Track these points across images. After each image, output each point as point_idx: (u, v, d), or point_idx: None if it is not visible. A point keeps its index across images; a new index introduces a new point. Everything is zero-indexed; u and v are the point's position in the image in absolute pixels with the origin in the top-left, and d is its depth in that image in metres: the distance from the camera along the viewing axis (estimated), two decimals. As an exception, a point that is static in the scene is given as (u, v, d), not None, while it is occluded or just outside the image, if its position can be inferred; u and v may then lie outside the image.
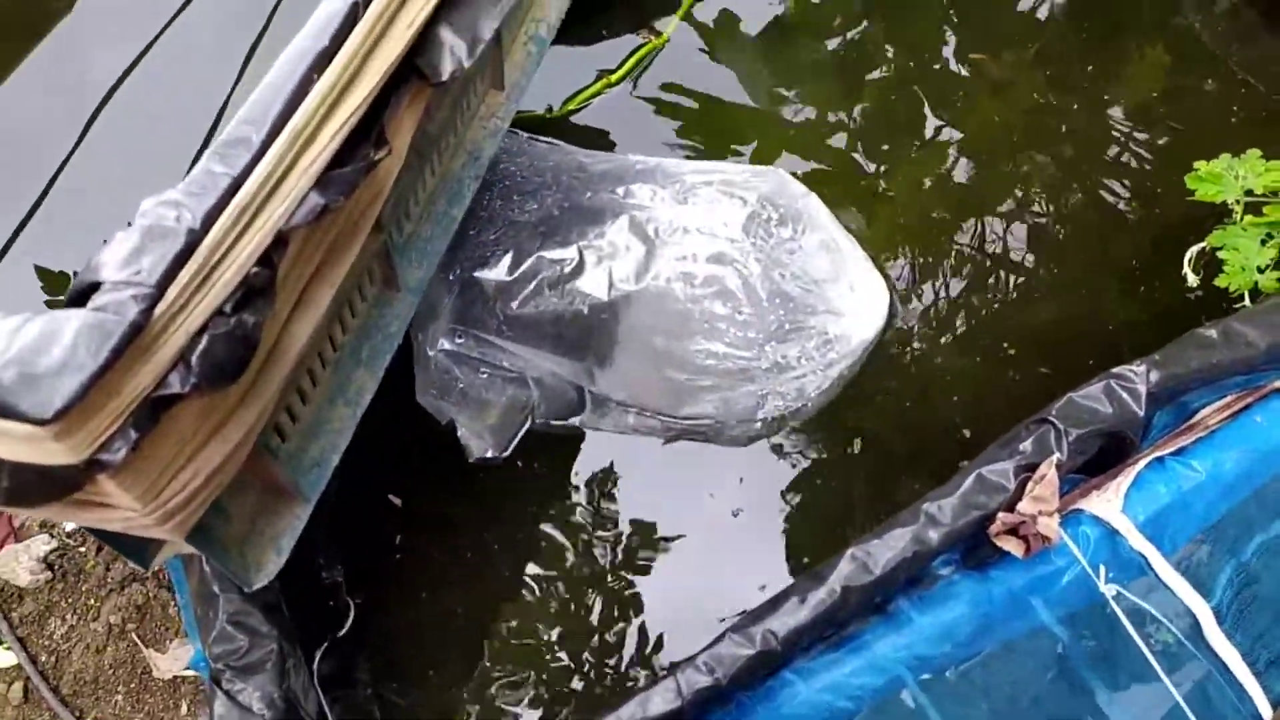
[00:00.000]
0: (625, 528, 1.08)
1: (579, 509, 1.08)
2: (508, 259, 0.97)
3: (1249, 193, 0.98)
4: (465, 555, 1.07)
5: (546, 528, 1.07)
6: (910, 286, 1.21)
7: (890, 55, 1.36)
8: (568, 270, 0.95)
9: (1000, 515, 0.78)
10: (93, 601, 1.27)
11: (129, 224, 0.52)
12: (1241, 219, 0.98)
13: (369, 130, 0.64)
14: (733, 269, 0.95)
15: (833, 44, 1.37)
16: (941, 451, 1.09)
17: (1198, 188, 1.01)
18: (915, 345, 1.17)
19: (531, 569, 1.06)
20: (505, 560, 1.07)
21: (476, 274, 0.97)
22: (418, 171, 0.84)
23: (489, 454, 0.97)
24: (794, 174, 1.19)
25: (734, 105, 1.30)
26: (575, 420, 1.01)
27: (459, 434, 0.96)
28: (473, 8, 0.71)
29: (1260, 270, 0.95)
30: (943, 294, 1.20)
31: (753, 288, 0.95)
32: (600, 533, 1.07)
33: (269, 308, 0.58)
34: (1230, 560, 0.83)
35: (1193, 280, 0.99)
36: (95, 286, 0.51)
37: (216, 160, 0.54)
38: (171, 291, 0.52)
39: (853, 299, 1.01)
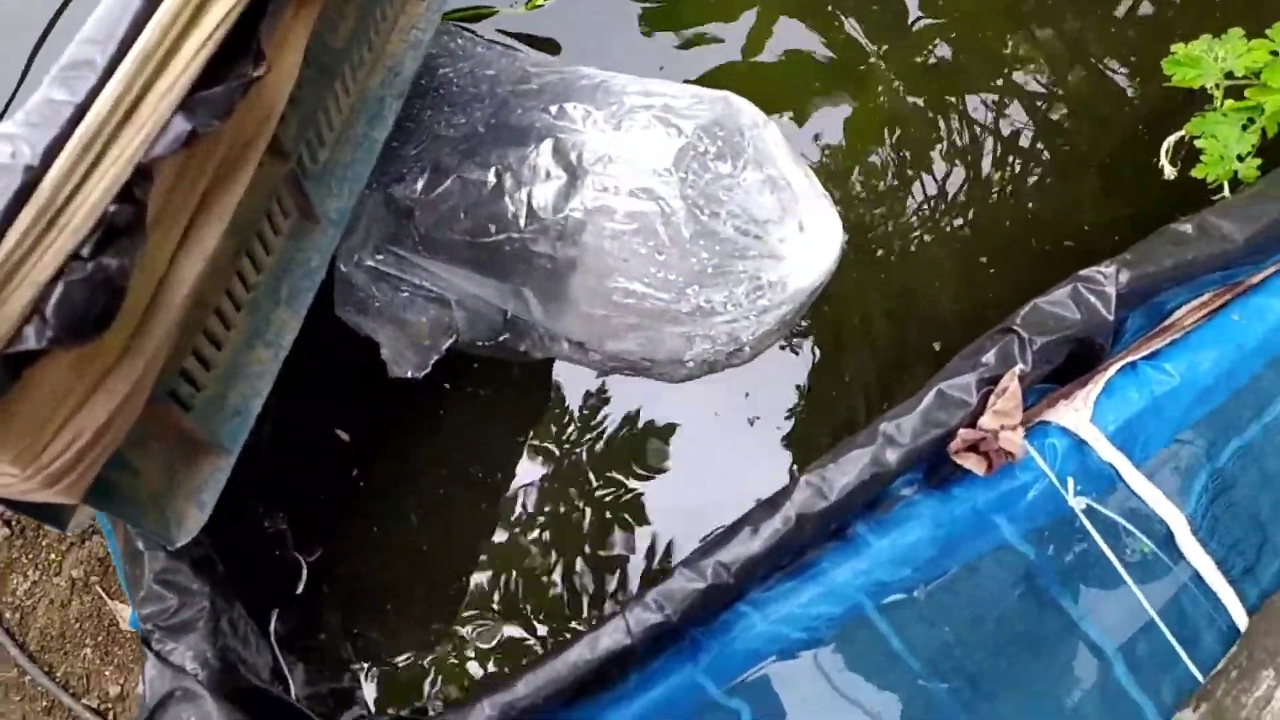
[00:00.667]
0: (587, 452, 1.05)
1: (540, 434, 1.05)
2: (424, 177, 0.91)
3: (1229, 75, 0.92)
4: (423, 487, 1.03)
5: (507, 455, 1.04)
6: (884, 180, 1.15)
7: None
8: (485, 194, 0.89)
9: (961, 432, 0.74)
10: (54, 556, 1.24)
11: (-40, 162, 0.47)
12: (1222, 104, 0.92)
13: (246, 45, 0.58)
14: (656, 205, 0.89)
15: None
16: (913, 365, 1.05)
17: (1175, 72, 0.94)
18: (883, 249, 1.12)
19: (495, 497, 1.03)
20: (466, 491, 1.04)
21: (392, 190, 0.91)
22: (324, 90, 0.77)
23: (409, 373, 0.93)
24: (792, 53, 1.12)
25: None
26: (502, 341, 0.97)
27: (381, 352, 0.92)
28: (359, -98, 0.64)
29: (1240, 158, 0.89)
30: (920, 191, 1.15)
31: (675, 226, 0.89)
32: (566, 457, 1.04)
33: (137, 248, 0.53)
34: (1206, 466, 0.79)
35: (1170, 173, 0.93)
36: (-76, 234, 0.45)
37: (57, 86, 0.49)
38: (11, 237, 0.46)
39: (798, 242, 0.94)
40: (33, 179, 0.47)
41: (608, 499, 1.04)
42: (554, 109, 0.94)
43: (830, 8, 1.24)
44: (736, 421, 1.06)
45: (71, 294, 0.49)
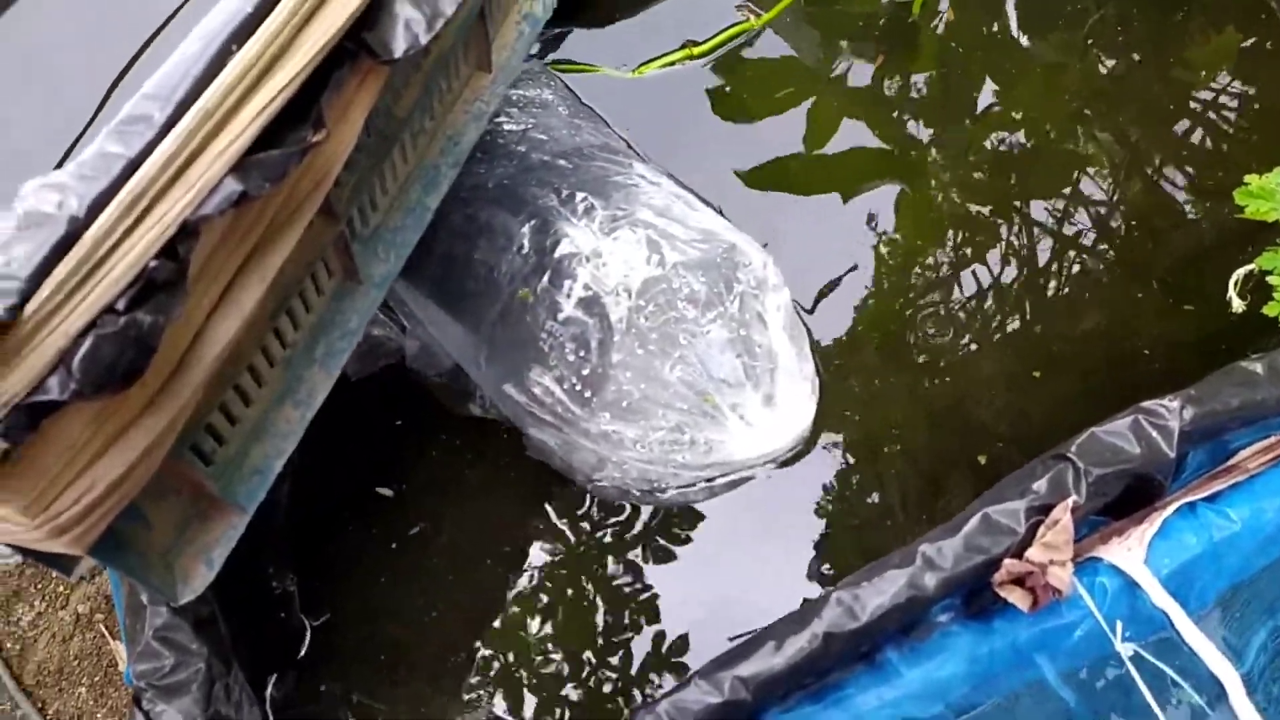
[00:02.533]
0: (607, 532, 1.01)
1: (559, 510, 1.02)
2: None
3: (1306, 210, 0.89)
4: (438, 556, 1.01)
5: (524, 530, 1.02)
6: (936, 276, 1.13)
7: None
8: (467, 246, 0.91)
9: (1006, 562, 0.70)
10: (62, 589, 1.23)
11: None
12: (1296, 239, 0.89)
13: (307, 111, 0.57)
14: (596, 320, 0.90)
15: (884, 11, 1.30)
16: (952, 485, 1.01)
17: (1247, 203, 0.91)
18: (927, 353, 1.09)
19: (508, 575, 1.00)
20: (480, 565, 1.01)
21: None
22: (383, 157, 0.77)
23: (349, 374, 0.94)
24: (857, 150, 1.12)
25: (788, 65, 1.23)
26: (448, 383, 0.97)
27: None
28: (434, -24, 0.64)
29: (1315, 298, 0.85)
30: (972, 288, 1.12)
31: (606, 349, 0.89)
32: (582, 535, 1.01)
33: (174, 305, 0.52)
34: (1266, 622, 0.74)
35: (1238, 305, 0.90)
36: (-42, 279, 0.45)
37: (113, 139, 0.48)
38: (47, 286, 0.45)
39: (757, 414, 0.92)
40: (76, 230, 0.46)
41: (623, 585, 1.00)
42: (565, 192, 0.96)
43: (894, 110, 1.24)
44: (766, 518, 1.03)
45: (100, 347, 0.48)
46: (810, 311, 1.10)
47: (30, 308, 0.45)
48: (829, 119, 1.23)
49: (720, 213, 1.09)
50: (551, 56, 1.24)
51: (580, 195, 0.99)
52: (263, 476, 0.73)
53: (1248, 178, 0.93)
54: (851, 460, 1.03)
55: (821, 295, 1.11)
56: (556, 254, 0.95)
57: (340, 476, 0.98)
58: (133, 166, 0.48)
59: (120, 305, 0.49)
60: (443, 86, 0.84)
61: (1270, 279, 0.89)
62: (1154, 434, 0.74)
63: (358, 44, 0.60)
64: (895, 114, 1.23)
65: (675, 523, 1.01)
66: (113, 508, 0.56)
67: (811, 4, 1.30)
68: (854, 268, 1.13)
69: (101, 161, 0.48)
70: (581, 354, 0.92)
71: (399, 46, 0.61)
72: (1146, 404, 0.76)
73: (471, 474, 1.03)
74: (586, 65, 1.23)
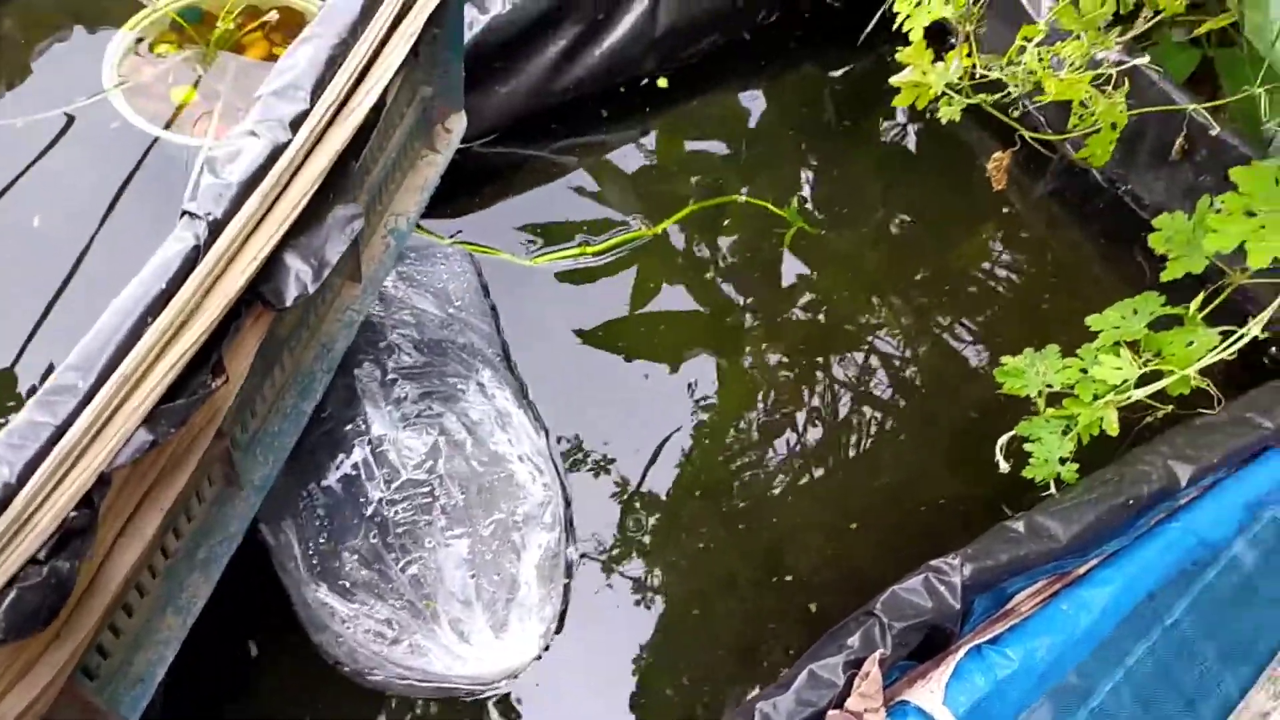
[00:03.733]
0: None
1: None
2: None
3: (1049, 386, 1.08)
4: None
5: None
6: (765, 435, 1.27)
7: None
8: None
9: (830, 715, 0.81)
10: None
11: (-61, 476, 0.51)
12: (1044, 410, 1.08)
13: (206, 359, 0.65)
14: (349, 499, 1.00)
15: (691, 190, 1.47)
16: (785, 633, 1.13)
17: (1005, 380, 1.10)
18: (747, 511, 1.22)
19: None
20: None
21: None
22: (263, 374, 0.85)
23: None
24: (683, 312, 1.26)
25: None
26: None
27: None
28: (320, 234, 0.74)
29: (1062, 461, 1.04)
30: (794, 448, 1.27)
31: (344, 527, 0.99)
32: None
33: (87, 548, 0.57)
34: (1045, 747, 0.87)
35: (1004, 467, 1.07)
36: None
37: (40, 409, 0.55)
38: (-21, 549, 0.51)
39: (478, 637, 0.98)
40: (9, 496, 0.52)
41: None
42: (390, 377, 1.08)
43: (709, 274, 1.40)
44: (612, 672, 1.09)
45: (24, 597, 0.53)
46: (645, 474, 1.22)
47: (-37, 570, 0.50)
48: (647, 283, 1.37)
49: (547, 435, 1.18)
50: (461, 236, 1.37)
51: (402, 384, 1.07)
52: (145, 685, 0.76)
53: (1004, 359, 1.13)
54: (687, 619, 1.13)
55: (654, 457, 1.24)
56: (346, 427, 1.03)
57: (211, 675, 1.00)
58: (59, 433, 0.55)
59: (42, 555, 0.54)
60: (319, 302, 0.93)
61: (1026, 446, 1.07)
62: (941, 589, 0.88)
63: (254, 295, 0.69)
64: (711, 281, 1.39)
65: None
66: (15, 739, 0.59)
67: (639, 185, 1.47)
68: (678, 429, 1.26)
69: (30, 430, 0.54)
70: (322, 522, 0.98)
71: (290, 296, 0.70)
72: (934, 562, 0.90)
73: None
74: (492, 249, 1.34)
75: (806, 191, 1.51)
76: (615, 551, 1.17)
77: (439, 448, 1.05)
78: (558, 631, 1.07)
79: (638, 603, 1.14)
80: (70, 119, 0.96)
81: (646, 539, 1.18)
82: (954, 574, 0.89)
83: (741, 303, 1.38)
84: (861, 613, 0.88)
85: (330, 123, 0.73)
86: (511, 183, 1.42)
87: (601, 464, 1.23)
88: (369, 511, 1.00)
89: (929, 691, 0.86)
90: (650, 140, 1.52)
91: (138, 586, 0.76)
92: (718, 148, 1.54)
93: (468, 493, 1.03)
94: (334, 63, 0.73)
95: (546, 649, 1.04)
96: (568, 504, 1.15)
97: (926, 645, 0.91)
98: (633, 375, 1.30)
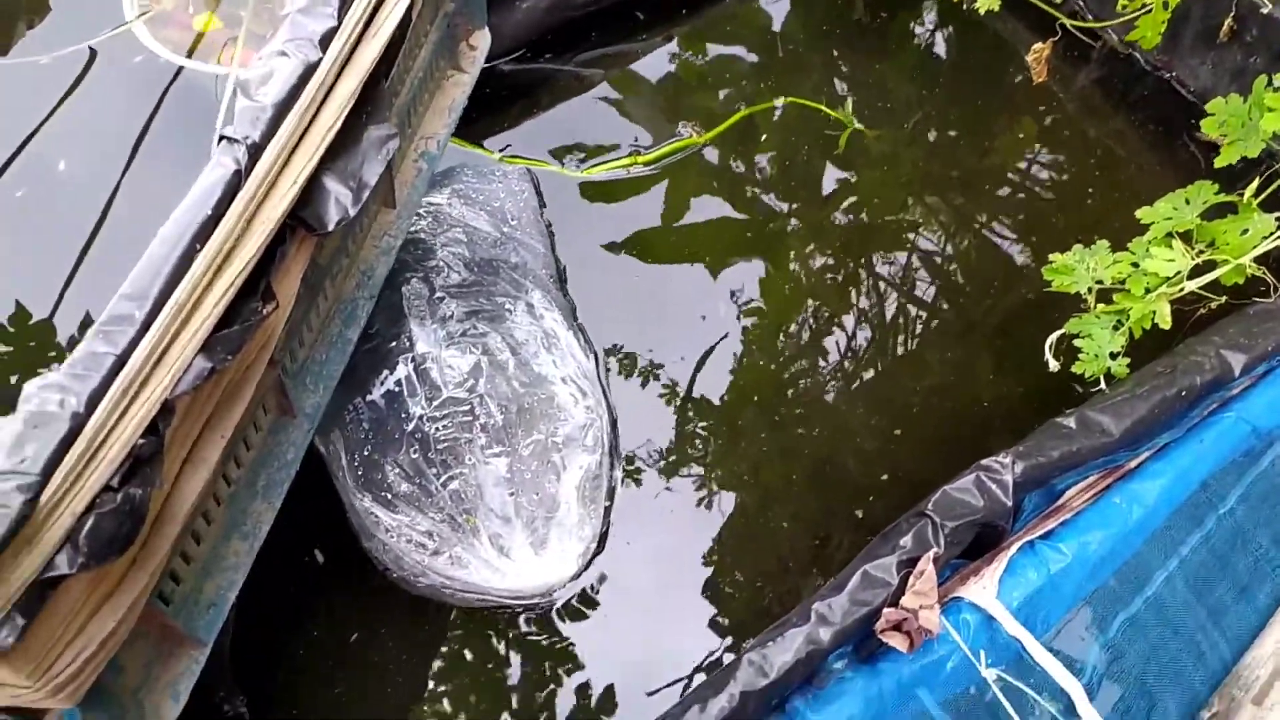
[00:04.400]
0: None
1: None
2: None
3: (1099, 282, 1.06)
4: (372, 675, 1.06)
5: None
6: (799, 343, 1.27)
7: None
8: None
9: (885, 612, 0.82)
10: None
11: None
12: (1094, 307, 1.06)
13: (255, 286, 0.65)
14: (392, 414, 1.01)
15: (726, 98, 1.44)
16: (834, 537, 1.14)
17: (1054, 279, 1.08)
18: (801, 410, 1.22)
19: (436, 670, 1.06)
20: (417, 662, 1.07)
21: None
22: (309, 302, 0.85)
23: None
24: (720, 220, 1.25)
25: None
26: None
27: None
28: (357, 155, 0.73)
29: (1113, 356, 1.02)
30: (842, 352, 1.26)
31: (387, 440, 1.00)
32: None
33: (157, 475, 0.59)
34: (1099, 638, 0.88)
35: (1054, 366, 1.06)
36: (-26, 476, 0.51)
37: (100, 340, 0.55)
38: (56, 477, 0.52)
39: (517, 551, 1.00)
40: (78, 425, 0.53)
41: (542, 642, 1.07)
42: (439, 295, 1.08)
43: (748, 187, 1.37)
44: (666, 579, 1.12)
45: (102, 523, 0.54)
46: (692, 381, 1.22)
47: (43, 497, 0.51)
48: (683, 195, 1.36)
49: (597, 358, 1.18)
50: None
51: (448, 302, 1.07)
52: (218, 609, 0.78)
53: (1052, 256, 1.11)
54: (745, 519, 1.14)
55: (700, 364, 1.24)
56: (391, 344, 1.04)
57: (278, 603, 1.03)
58: (120, 362, 0.55)
59: (115, 482, 0.55)
60: (355, 229, 0.92)
61: (1077, 342, 1.05)
62: (993, 487, 0.88)
63: (296, 220, 0.69)
64: (749, 191, 1.37)
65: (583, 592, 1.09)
66: (102, 661, 0.61)
67: (666, 98, 1.44)
68: (725, 336, 1.26)
69: (92, 360, 0.55)
70: (367, 435, 1.00)
71: (332, 220, 0.70)
72: (985, 461, 0.90)
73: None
74: (542, 161, 1.34)
75: (841, 95, 1.47)
76: (665, 462, 1.18)
77: (481, 367, 1.05)
78: (598, 551, 1.09)
79: (695, 505, 1.15)
80: (93, 53, 0.94)
81: (696, 446, 1.19)
82: (1005, 472, 0.89)
83: (785, 209, 1.36)
84: (913, 513, 0.89)
85: (359, 39, 0.71)
86: (539, 99, 1.40)
87: (649, 371, 1.23)
88: (410, 427, 1.01)
89: (982, 587, 0.87)
90: (676, 47, 1.48)
91: (204, 514, 0.77)
92: (747, 53, 1.50)
93: (507, 413, 1.04)
94: (360, -24, 0.71)
95: (587, 567, 1.06)
96: (613, 427, 1.16)
97: (978, 543, 0.92)
98: (675, 284, 1.30)
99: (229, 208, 0.61)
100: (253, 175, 0.62)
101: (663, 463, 1.17)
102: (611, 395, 1.20)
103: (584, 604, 1.09)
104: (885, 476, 1.20)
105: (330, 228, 0.70)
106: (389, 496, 1.00)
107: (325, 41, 0.68)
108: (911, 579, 0.84)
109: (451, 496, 1.00)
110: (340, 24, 0.69)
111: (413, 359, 1.04)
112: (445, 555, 1.00)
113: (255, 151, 0.63)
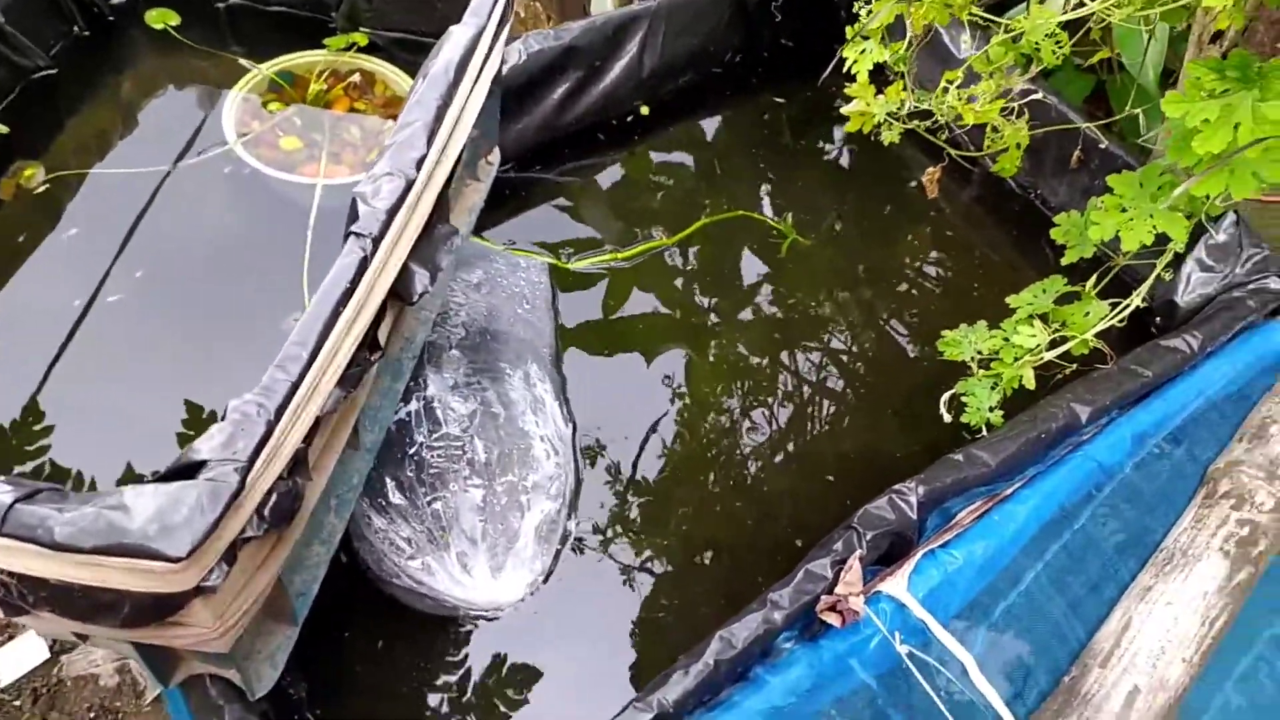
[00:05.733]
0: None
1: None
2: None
3: (979, 353, 1.36)
4: (408, 678, 1.24)
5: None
6: (742, 414, 1.51)
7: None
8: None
9: (823, 597, 1.07)
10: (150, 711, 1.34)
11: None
12: (976, 372, 1.35)
13: (367, 339, 0.89)
14: (402, 437, 1.22)
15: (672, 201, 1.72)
16: (782, 559, 1.37)
17: (945, 349, 1.38)
18: (751, 468, 1.47)
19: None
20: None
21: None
22: (377, 359, 1.08)
23: None
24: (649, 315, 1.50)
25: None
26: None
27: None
28: (431, 246, 0.98)
29: (991, 409, 1.31)
30: (772, 425, 1.52)
31: (390, 456, 1.22)
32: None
33: (308, 472, 0.81)
34: (985, 622, 1.14)
35: (947, 418, 1.35)
36: (199, 464, 0.73)
37: (280, 370, 0.78)
38: (256, 465, 0.74)
39: (476, 569, 1.18)
40: (270, 428, 0.75)
41: (487, 649, 1.24)
42: (453, 352, 1.33)
43: (678, 280, 1.64)
44: (605, 614, 1.29)
45: (280, 500, 0.76)
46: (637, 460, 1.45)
47: (248, 480, 0.73)
48: (622, 289, 1.62)
49: (574, 428, 1.39)
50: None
51: (460, 359, 1.31)
52: (305, 598, 0.99)
53: (944, 332, 1.40)
54: (693, 560, 1.37)
55: (643, 442, 1.47)
56: (413, 382, 1.27)
57: (335, 594, 1.21)
58: (294, 386, 0.78)
59: (285, 473, 0.78)
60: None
61: (963, 399, 1.34)
62: (902, 505, 1.14)
63: (392, 292, 0.93)
64: (680, 286, 1.64)
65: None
66: (253, 612, 0.82)
67: (615, 204, 1.72)
68: (665, 414, 1.50)
69: (275, 384, 0.78)
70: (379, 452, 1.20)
71: (416, 293, 0.94)
72: (896, 486, 1.17)
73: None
74: (537, 252, 1.58)
75: (766, 202, 1.78)
76: (612, 523, 1.37)
77: (476, 414, 1.28)
78: (544, 582, 1.28)
79: (631, 567, 1.34)
80: (197, 165, 1.18)
81: (639, 509, 1.38)
82: (911, 494, 1.16)
83: (710, 303, 1.63)
84: (843, 526, 1.14)
85: (438, 162, 0.97)
86: (527, 201, 1.67)
87: (595, 449, 1.46)
88: (412, 451, 1.24)
89: (896, 583, 1.13)
90: (635, 160, 1.78)
91: (295, 522, 0.99)
92: (691, 167, 1.80)
93: (490, 454, 1.27)
94: (440, 116, 0.97)
95: (532, 594, 1.26)
96: (577, 486, 1.37)
97: (891, 552, 1.18)
98: (619, 369, 1.53)
99: (360, 282, 0.85)
100: (374, 260, 0.87)
101: (610, 524, 1.37)
102: (580, 461, 1.41)
103: (525, 624, 1.27)
104: (813, 523, 1.44)
105: (415, 299, 0.94)
106: (383, 504, 1.21)
107: (419, 165, 0.93)
108: (842, 574, 1.09)
109: (433, 514, 1.21)
110: (429, 152, 0.95)
111: (424, 398, 1.27)
112: (418, 561, 1.20)
113: (375, 243, 0.87)
